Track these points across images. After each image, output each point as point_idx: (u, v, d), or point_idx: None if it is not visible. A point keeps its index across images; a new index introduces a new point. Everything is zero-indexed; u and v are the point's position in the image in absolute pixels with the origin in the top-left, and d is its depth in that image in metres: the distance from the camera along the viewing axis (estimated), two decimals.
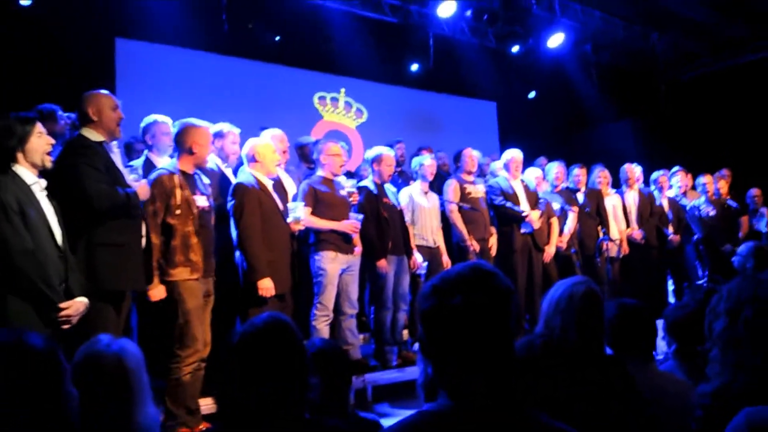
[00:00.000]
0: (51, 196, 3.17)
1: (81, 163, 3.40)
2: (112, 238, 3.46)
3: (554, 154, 7.60)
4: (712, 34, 9.41)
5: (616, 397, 1.96)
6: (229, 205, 4.28)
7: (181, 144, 4.00)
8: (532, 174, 6.58)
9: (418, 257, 5.53)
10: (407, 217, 5.62)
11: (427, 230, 5.75)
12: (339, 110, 9.16)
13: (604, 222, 6.75)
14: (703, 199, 7.26)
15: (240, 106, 7.51)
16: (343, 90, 9.17)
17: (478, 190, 6.08)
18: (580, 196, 6.74)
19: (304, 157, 6.02)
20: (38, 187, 3.11)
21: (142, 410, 1.77)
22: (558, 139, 10.52)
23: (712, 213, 7.08)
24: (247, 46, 8.04)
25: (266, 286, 4.15)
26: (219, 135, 4.67)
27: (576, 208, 6.58)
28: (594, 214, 6.71)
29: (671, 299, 6.97)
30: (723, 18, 8.90)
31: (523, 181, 6.34)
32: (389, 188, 5.54)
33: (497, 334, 1.26)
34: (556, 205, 6.40)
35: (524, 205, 6.13)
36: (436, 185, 6.15)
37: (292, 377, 1.64)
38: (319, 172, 4.98)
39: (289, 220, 4.47)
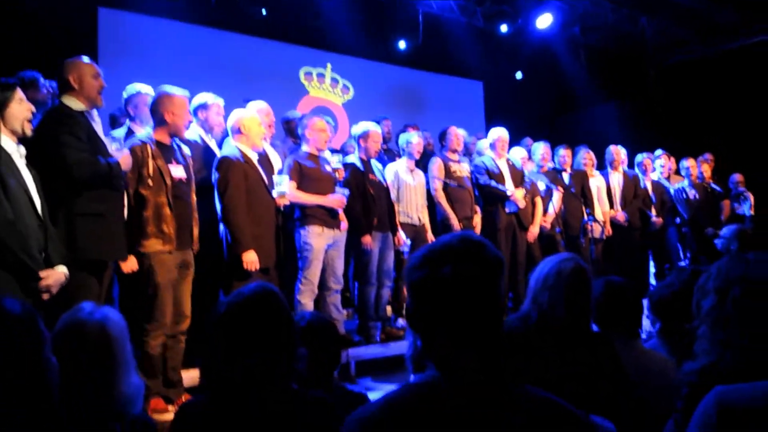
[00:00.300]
0: (31, 164, 3.10)
1: (62, 132, 3.32)
2: (93, 207, 3.39)
3: (540, 135, 7.61)
4: (701, 20, 9.40)
5: (606, 378, 1.97)
6: (214, 178, 4.22)
7: (156, 113, 3.92)
8: (518, 154, 6.57)
9: (402, 235, 5.53)
10: (392, 195, 5.60)
11: (412, 208, 5.73)
12: (325, 86, 9.08)
13: (588, 203, 6.79)
14: (686, 182, 7.34)
15: (225, 79, 7.39)
16: (329, 65, 9.08)
17: (462, 168, 6.05)
18: (566, 177, 6.76)
19: (290, 132, 5.96)
20: (18, 155, 3.04)
21: (126, 379, 1.75)
22: (544, 119, 10.53)
23: (695, 196, 7.16)
24: (234, 19, 7.93)
25: (250, 259, 4.12)
26: (203, 106, 4.56)
27: (561, 188, 6.59)
28: (579, 195, 6.73)
29: (653, 281, 7.04)
30: (712, 4, 8.89)
31: (509, 160, 6.32)
32: (376, 165, 5.50)
33: (487, 304, 1.24)
34: (541, 185, 6.40)
35: (509, 185, 6.12)
36: (422, 163, 6.12)
37: (280, 348, 1.62)
38: (305, 147, 4.93)
39: (274, 194, 4.42)
